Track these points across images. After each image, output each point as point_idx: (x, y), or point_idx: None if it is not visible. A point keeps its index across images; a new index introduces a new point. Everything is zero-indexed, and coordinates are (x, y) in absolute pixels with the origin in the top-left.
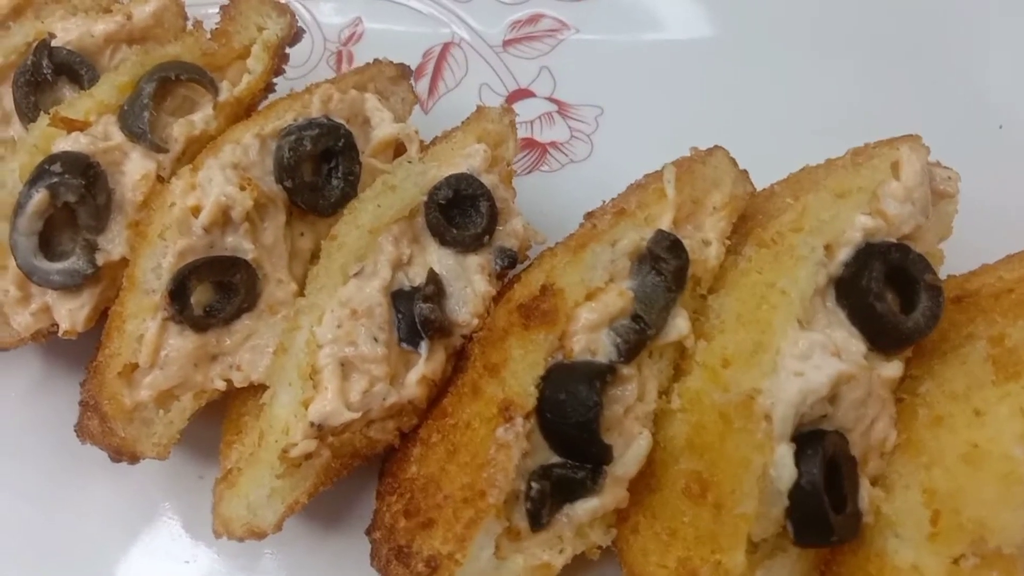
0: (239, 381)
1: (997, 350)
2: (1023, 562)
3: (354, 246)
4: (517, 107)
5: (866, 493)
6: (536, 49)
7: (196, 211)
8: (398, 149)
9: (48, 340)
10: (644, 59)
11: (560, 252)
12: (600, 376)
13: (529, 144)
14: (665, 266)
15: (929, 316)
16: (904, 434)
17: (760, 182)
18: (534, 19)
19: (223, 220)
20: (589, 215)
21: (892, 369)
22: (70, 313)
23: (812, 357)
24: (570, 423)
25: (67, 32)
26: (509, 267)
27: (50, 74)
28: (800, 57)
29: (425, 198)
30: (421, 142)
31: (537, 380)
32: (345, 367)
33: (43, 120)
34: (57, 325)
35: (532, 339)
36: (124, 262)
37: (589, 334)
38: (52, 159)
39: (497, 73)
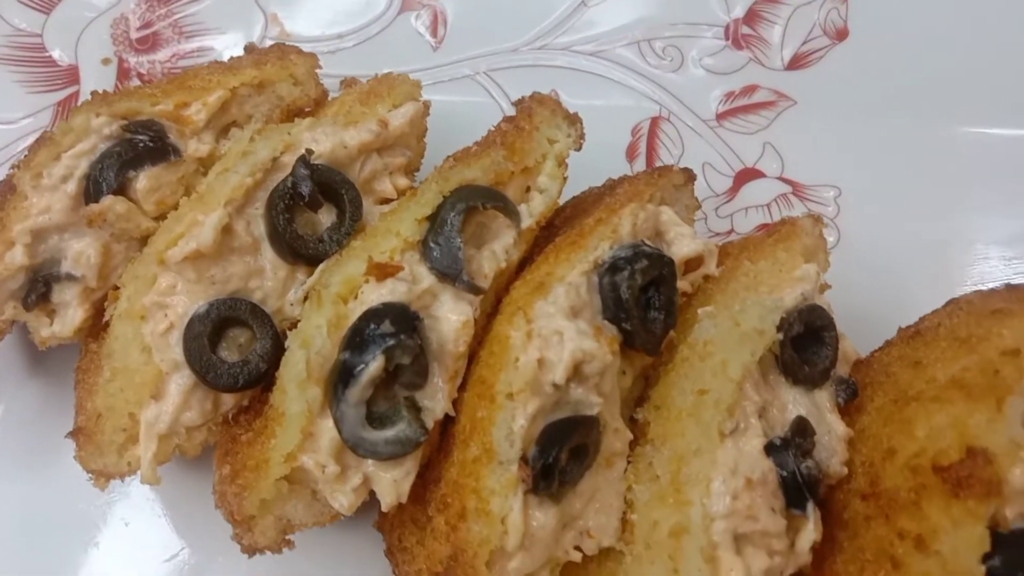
0: (590, 549)
1: None
2: None
3: (728, 402)
4: (749, 188)
5: None
6: (753, 123)
7: (541, 365)
8: (687, 265)
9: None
10: (873, 129)
11: (959, 401)
12: None
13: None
14: None
15: None
16: None
17: None
18: (748, 90)
19: (575, 375)
20: (915, 333)
21: None
22: (395, 484)
23: None
24: None
25: (317, 144)
26: (851, 399)
27: (310, 196)
28: None
29: (780, 336)
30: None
31: (982, 556)
32: (739, 542)
33: (348, 266)
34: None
35: (968, 510)
36: (444, 419)
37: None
38: (377, 317)
39: (717, 151)
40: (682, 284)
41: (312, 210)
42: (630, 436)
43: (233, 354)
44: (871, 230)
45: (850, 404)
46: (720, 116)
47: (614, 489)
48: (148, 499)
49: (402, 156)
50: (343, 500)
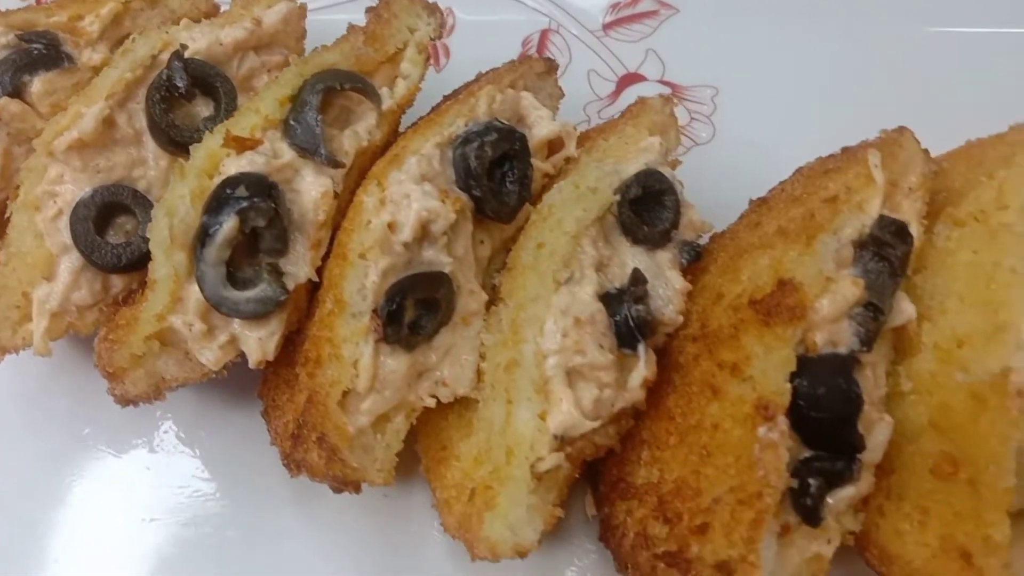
0: (445, 396)
1: None
2: None
3: (562, 253)
4: (630, 92)
5: None
6: (638, 31)
7: (393, 227)
8: (550, 147)
9: (228, 373)
10: (752, 33)
11: (778, 244)
12: (852, 366)
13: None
14: (891, 251)
15: None
16: None
17: None
18: (633, 1)
19: (423, 235)
20: (761, 202)
21: None
22: (260, 342)
23: None
24: (830, 416)
25: (194, 41)
26: (695, 260)
27: (185, 88)
28: (910, 24)
29: (618, 197)
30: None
31: (788, 376)
32: (571, 376)
33: (210, 140)
34: (242, 355)
35: (777, 335)
36: (307, 284)
37: (831, 326)
38: (233, 182)
39: (603, 58)
40: (545, 166)
41: (188, 101)
42: (485, 297)
43: (120, 239)
44: (746, 126)
45: (695, 265)
46: (606, 26)
47: (470, 344)
48: None
49: (279, 55)
50: (210, 355)
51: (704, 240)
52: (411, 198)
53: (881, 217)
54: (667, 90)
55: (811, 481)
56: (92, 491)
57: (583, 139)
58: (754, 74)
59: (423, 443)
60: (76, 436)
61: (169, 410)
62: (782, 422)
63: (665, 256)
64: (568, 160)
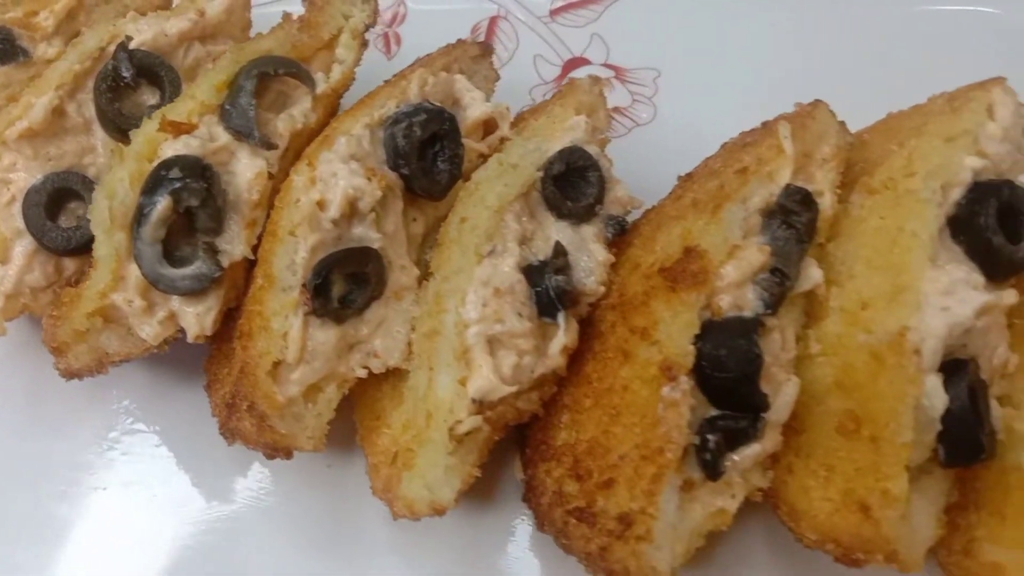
0: (377, 368)
1: None
2: None
3: (485, 227)
4: (575, 75)
5: (998, 413)
6: (584, 16)
7: (322, 205)
8: (486, 127)
9: (169, 348)
10: (693, 17)
11: (689, 214)
12: (754, 329)
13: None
14: (797, 218)
15: None
16: (1019, 356)
17: None
18: None
19: (351, 212)
20: (687, 177)
21: (1011, 297)
22: (198, 318)
23: (955, 292)
24: (732, 376)
25: (140, 33)
26: (620, 233)
27: (131, 78)
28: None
29: (541, 174)
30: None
31: (693, 338)
32: (492, 344)
33: (148, 125)
34: (182, 331)
35: (682, 300)
36: (243, 262)
37: (735, 291)
38: (168, 164)
39: (549, 44)
40: (479, 146)
41: (135, 91)
42: (417, 272)
43: (72, 223)
44: (687, 107)
45: (623, 238)
46: (554, 12)
47: (402, 318)
48: None
49: (225, 45)
50: (149, 331)
51: (635, 215)
52: (338, 176)
53: (788, 186)
54: (610, 73)
55: (710, 437)
56: (44, 465)
57: (519, 120)
58: (695, 56)
59: (359, 413)
60: (33, 413)
61: (124, 386)
62: (684, 382)
63: (590, 230)
64: (502, 140)
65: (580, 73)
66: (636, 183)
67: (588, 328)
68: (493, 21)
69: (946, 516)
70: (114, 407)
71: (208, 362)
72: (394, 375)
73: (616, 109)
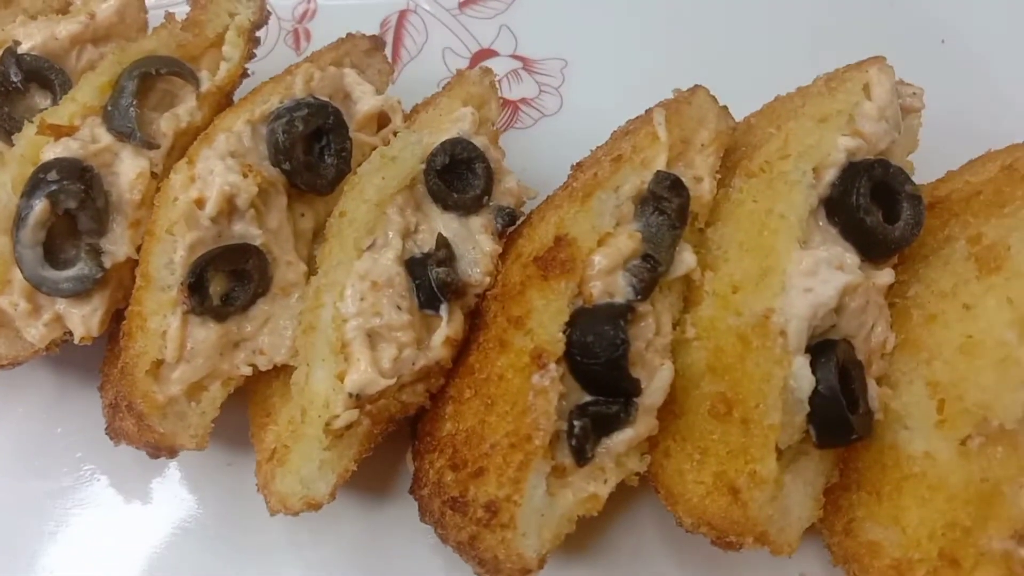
0: (263, 365)
1: (976, 248)
2: (1022, 434)
3: (364, 220)
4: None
5: (875, 392)
6: (492, 8)
7: (200, 203)
8: (380, 121)
9: (60, 350)
10: (597, 7)
11: (565, 204)
12: (622, 315)
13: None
14: (668, 204)
15: (913, 224)
16: (901, 335)
17: (735, 115)
18: None
19: (229, 209)
20: (578, 165)
21: (885, 276)
22: (83, 319)
23: (818, 273)
24: (601, 362)
25: (30, 37)
26: (509, 224)
27: (20, 82)
28: None
29: (424, 166)
30: (403, 112)
31: (563, 326)
32: (372, 337)
33: (28, 129)
34: (70, 333)
35: (553, 289)
36: (130, 262)
37: (606, 278)
38: (46, 167)
39: (458, 36)
40: (372, 140)
41: (26, 95)
42: (304, 268)
43: None
44: (593, 96)
45: (510, 228)
46: (462, 4)
47: (289, 314)
48: None
49: None
50: (35, 333)
51: (533, 205)
52: (215, 174)
53: (658, 172)
54: (517, 64)
55: (576, 423)
56: None
57: (413, 113)
58: (602, 46)
59: (251, 411)
60: None
61: (30, 391)
62: (553, 369)
63: (478, 221)
64: (395, 133)
65: (489, 65)
66: (541, 173)
67: (477, 319)
68: (402, 15)
69: (829, 497)
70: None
71: (103, 363)
72: (285, 372)
73: (523, 100)
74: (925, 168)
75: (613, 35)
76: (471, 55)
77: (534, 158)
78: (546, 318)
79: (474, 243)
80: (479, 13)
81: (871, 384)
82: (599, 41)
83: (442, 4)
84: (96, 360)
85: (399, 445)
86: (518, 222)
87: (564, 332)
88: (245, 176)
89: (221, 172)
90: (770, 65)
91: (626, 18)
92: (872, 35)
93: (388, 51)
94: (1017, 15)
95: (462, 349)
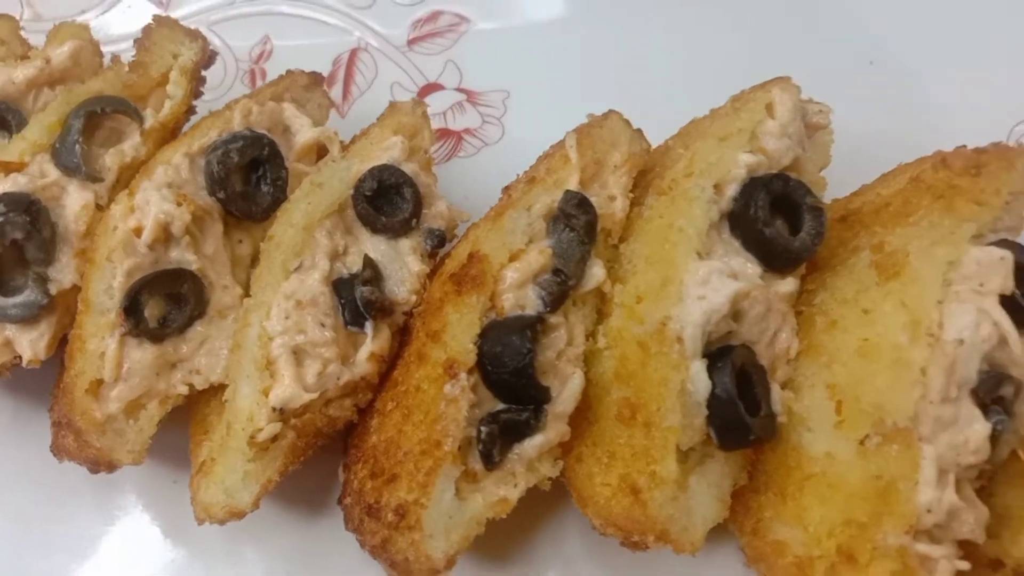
0: (200, 384)
1: (878, 256)
2: (915, 432)
3: (290, 243)
4: (429, 100)
5: (778, 396)
6: (439, 45)
7: (138, 231)
8: (321, 152)
9: (12, 373)
10: (538, 40)
11: (482, 223)
12: (530, 326)
13: (444, 134)
14: (576, 221)
15: (815, 234)
16: (805, 341)
17: (657, 138)
18: (434, 16)
19: (164, 236)
20: (507, 188)
21: (788, 285)
22: (31, 343)
23: (710, 282)
24: (508, 371)
25: None
26: (439, 246)
27: None
28: (677, 15)
29: (352, 191)
30: (341, 142)
31: (475, 338)
32: (297, 354)
33: None
34: (19, 357)
35: (465, 303)
36: (76, 289)
37: (516, 291)
38: None
39: (406, 71)
40: (310, 169)
41: None
42: (240, 291)
43: None
44: (532, 126)
45: (440, 250)
46: (411, 42)
47: (225, 335)
48: None
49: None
50: None
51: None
52: (151, 203)
53: (566, 192)
54: (462, 96)
55: (483, 429)
56: None
57: (351, 143)
58: (541, 78)
59: (192, 428)
60: None
61: None
62: (464, 378)
63: (407, 243)
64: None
65: (435, 98)
66: (483, 198)
67: (406, 336)
68: (353, 53)
69: (740, 499)
70: None
71: (54, 386)
72: (223, 391)
73: (467, 130)
74: (842, 183)
75: (553, 67)
76: (418, 89)
77: (476, 184)
78: (459, 331)
79: (402, 264)
80: (426, 50)
81: (774, 388)
82: (539, 73)
83: (391, 42)
84: (51, 384)
85: (338, 458)
86: (449, 244)
87: (476, 343)
88: (179, 205)
89: (157, 201)
90: (701, 91)
91: (565, 51)
92: (802, 58)
93: (340, 87)
94: (941, 37)
95: (391, 365)
